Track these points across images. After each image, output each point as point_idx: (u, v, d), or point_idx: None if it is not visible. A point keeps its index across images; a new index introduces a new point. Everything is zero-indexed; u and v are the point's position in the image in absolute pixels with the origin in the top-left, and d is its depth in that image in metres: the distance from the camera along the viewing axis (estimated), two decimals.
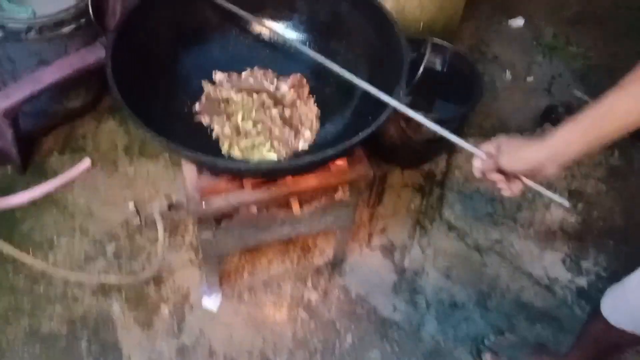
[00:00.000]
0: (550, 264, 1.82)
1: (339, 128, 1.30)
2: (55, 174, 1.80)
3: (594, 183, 2.06)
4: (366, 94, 1.14)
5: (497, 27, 2.68)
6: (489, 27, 2.67)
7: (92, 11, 1.37)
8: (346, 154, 1.20)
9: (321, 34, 1.38)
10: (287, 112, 1.33)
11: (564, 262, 1.83)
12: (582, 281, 1.77)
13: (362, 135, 1.05)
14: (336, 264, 1.69)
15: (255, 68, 1.41)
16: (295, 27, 1.42)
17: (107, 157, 1.87)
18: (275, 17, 1.41)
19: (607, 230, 1.91)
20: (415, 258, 1.76)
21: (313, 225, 1.44)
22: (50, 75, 1.58)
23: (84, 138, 1.92)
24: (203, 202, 1.22)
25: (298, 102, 1.35)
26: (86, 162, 1.80)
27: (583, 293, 1.74)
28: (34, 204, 1.68)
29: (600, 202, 1.99)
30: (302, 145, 1.28)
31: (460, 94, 1.80)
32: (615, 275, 1.72)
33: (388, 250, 1.76)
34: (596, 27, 2.70)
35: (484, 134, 2.13)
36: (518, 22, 2.71)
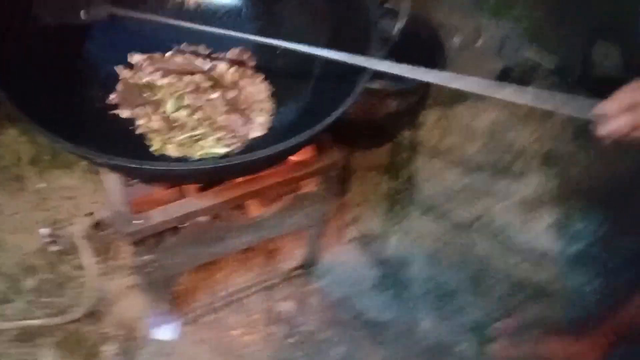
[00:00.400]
0: (538, 235, 1.66)
1: (298, 109, 1.04)
2: None
3: (565, 143, 1.92)
4: (328, 63, 0.89)
5: None
6: None
7: None
8: (312, 141, 0.94)
9: None
10: (231, 95, 1.06)
11: (550, 231, 1.67)
12: (573, 249, 1.62)
13: (335, 114, 0.80)
14: (308, 266, 1.45)
15: (183, 45, 1.13)
16: None
17: (9, 173, 1.53)
18: None
19: (589, 191, 1.77)
20: (396, 247, 1.55)
21: (278, 228, 1.19)
22: None
23: None
24: (135, 220, 0.94)
25: (242, 82, 1.09)
26: None
27: (577, 262, 1.58)
28: None
29: (575, 162, 1.85)
30: (255, 133, 1.02)
31: (418, 62, 1.58)
32: (611, 238, 1.61)
33: (364, 242, 1.54)
34: None
35: (442, 104, 1.93)
36: None
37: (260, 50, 1.13)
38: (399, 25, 1.40)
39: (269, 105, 1.07)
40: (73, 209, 1.47)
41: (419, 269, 1.51)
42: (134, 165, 0.72)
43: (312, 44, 0.88)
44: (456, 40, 2.28)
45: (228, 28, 0.98)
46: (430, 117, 1.84)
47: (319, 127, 0.76)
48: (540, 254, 1.61)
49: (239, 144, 0.99)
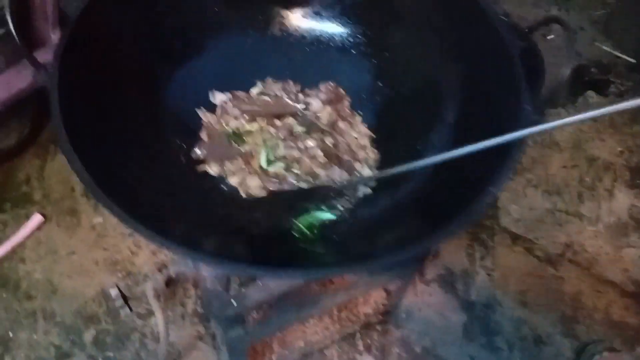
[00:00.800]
0: (631, 264, 1.51)
1: (405, 157, 0.89)
2: None
3: None
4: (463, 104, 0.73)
5: None
6: None
7: (13, 22, 0.89)
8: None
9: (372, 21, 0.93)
10: (329, 141, 0.92)
11: None
12: None
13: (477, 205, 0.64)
14: (389, 312, 1.31)
15: (268, 80, 0.97)
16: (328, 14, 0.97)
17: (62, 206, 1.41)
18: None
19: None
20: (483, 286, 1.40)
21: (373, 283, 1.05)
22: None
23: (28, 184, 1.44)
24: (232, 300, 0.81)
25: (340, 123, 0.94)
26: (36, 218, 1.36)
27: None
28: None
29: None
30: (363, 190, 0.87)
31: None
32: None
33: (448, 281, 1.40)
34: None
35: None
36: None
37: (354, 84, 0.97)
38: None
39: (372, 153, 0.92)
40: (133, 246, 1.35)
41: (509, 311, 1.37)
42: (264, 273, 0.58)
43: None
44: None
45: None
46: None
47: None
48: (635, 287, 1.46)
49: (347, 205, 0.85)
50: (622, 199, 1.64)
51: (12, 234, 1.34)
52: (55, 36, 1.21)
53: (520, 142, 0.67)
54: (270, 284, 0.83)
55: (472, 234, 1.49)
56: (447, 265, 1.42)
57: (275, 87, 0.97)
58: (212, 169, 0.86)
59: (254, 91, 0.96)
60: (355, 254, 0.72)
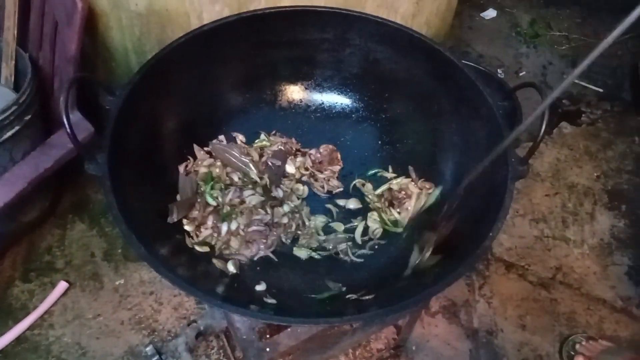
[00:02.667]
0: (618, 281, 1.62)
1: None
2: (23, 309, 1.41)
3: (628, 177, 1.89)
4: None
5: (471, 22, 2.49)
6: (463, 23, 2.47)
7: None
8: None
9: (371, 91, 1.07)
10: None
11: (630, 276, 1.64)
12: None
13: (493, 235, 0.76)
14: (400, 346, 1.41)
15: (274, 133, 1.10)
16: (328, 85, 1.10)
17: (85, 271, 1.50)
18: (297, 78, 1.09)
19: None
20: (483, 314, 1.51)
21: (387, 321, 1.15)
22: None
23: (50, 253, 1.52)
24: (267, 347, 0.90)
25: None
26: (61, 286, 1.44)
27: None
28: (2, 354, 1.31)
29: None
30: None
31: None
32: None
33: (451, 312, 1.50)
34: (570, 6, 2.56)
35: None
36: (490, 13, 2.53)
37: (358, 142, 1.09)
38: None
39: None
40: (155, 304, 1.43)
41: (510, 335, 1.47)
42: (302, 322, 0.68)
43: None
44: (499, 72, 2.27)
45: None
46: None
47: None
48: (623, 302, 1.57)
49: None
50: (603, 221, 1.77)
51: (40, 302, 1.42)
52: (74, 117, 1.32)
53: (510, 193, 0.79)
54: (299, 330, 0.93)
55: None
56: (449, 297, 1.53)
57: (279, 140, 1.07)
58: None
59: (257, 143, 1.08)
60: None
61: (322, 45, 1.04)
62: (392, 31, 0.97)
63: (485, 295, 1.54)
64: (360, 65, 1.05)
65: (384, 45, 1.01)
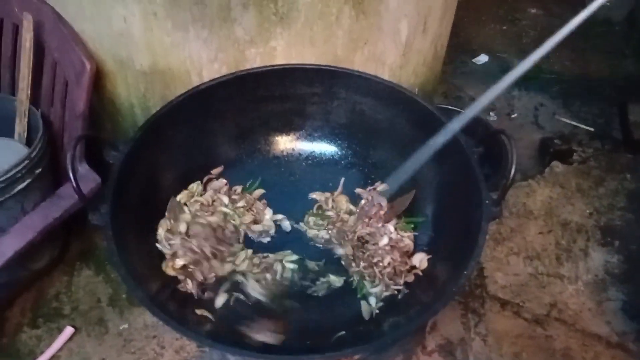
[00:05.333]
0: (613, 316, 1.65)
1: None
2: (31, 354, 1.46)
3: (620, 214, 1.93)
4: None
5: (463, 68, 2.59)
6: (455, 70, 2.57)
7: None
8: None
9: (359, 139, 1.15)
10: None
11: (625, 311, 1.66)
12: None
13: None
14: None
15: None
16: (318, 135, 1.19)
17: (91, 317, 1.55)
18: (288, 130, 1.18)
19: None
20: (479, 351, 1.53)
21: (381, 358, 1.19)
22: (10, 247, 1.27)
23: (57, 299, 1.58)
24: None
25: None
26: (67, 331, 1.49)
27: None
28: None
29: (634, 233, 1.86)
30: None
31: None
32: None
33: (447, 350, 1.52)
34: (560, 48, 2.64)
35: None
36: (482, 59, 2.64)
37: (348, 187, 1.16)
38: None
39: None
40: (158, 347, 1.48)
41: None
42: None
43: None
44: (492, 115, 2.35)
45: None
46: None
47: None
48: (619, 337, 1.59)
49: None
50: (597, 257, 1.80)
51: (47, 348, 1.46)
52: (82, 169, 1.40)
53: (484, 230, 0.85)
54: None
55: (464, 303, 1.63)
56: (444, 336, 1.56)
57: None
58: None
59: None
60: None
61: (312, 98, 1.12)
62: (374, 84, 1.05)
63: (481, 333, 1.57)
64: (347, 116, 1.14)
65: (368, 97, 1.09)
